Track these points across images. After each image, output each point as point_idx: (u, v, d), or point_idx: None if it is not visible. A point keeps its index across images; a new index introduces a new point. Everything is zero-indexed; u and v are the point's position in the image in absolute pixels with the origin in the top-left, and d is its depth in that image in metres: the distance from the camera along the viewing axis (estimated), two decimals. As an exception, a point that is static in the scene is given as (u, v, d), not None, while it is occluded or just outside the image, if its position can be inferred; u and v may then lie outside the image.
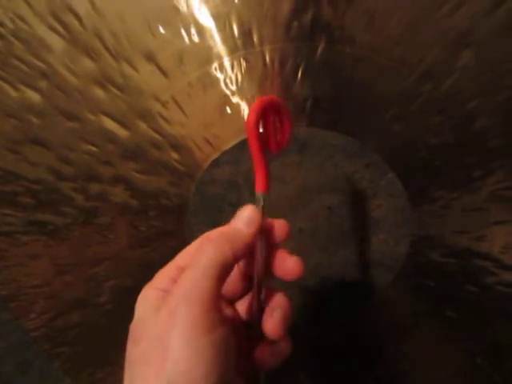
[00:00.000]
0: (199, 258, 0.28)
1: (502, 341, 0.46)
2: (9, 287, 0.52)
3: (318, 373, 0.53)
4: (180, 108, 0.43)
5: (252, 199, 0.46)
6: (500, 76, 0.37)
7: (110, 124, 0.44)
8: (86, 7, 0.39)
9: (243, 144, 0.44)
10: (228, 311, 0.33)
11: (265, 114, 0.30)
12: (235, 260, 0.29)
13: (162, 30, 0.40)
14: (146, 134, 0.44)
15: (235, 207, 0.46)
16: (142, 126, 0.44)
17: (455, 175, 0.42)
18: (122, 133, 0.44)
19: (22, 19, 0.40)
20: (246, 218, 0.31)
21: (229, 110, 0.44)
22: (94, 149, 0.45)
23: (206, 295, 0.27)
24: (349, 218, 0.46)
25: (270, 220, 0.32)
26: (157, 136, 0.45)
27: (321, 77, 0.41)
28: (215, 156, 0.46)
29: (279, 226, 0.32)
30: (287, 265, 0.31)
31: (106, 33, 0.40)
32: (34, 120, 0.44)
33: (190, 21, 0.40)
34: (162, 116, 0.44)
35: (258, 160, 0.31)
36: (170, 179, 0.47)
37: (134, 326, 0.29)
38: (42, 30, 0.40)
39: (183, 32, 0.40)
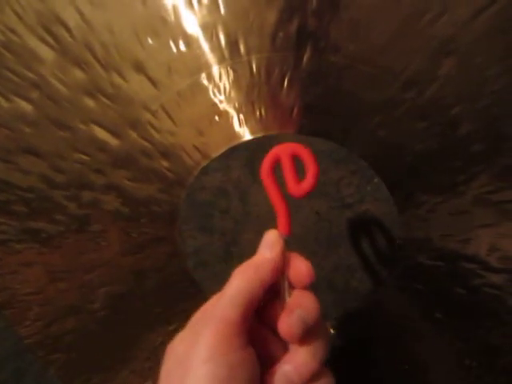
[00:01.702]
0: (227, 287, 0.30)
1: (490, 342, 0.46)
2: (3, 295, 0.52)
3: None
4: (169, 117, 0.44)
5: (241, 206, 0.47)
6: (482, 83, 0.38)
7: (100, 133, 0.44)
8: (76, 19, 0.39)
9: (232, 151, 0.45)
10: (257, 328, 0.32)
11: (282, 159, 0.31)
12: (263, 286, 0.30)
13: (150, 41, 0.40)
14: (136, 143, 0.45)
15: (225, 213, 0.47)
16: (133, 134, 0.45)
17: (440, 180, 0.42)
18: (112, 142, 0.45)
19: (13, 31, 0.40)
20: (268, 242, 0.32)
21: (217, 119, 0.44)
22: (85, 157, 0.45)
23: (229, 323, 0.28)
24: (337, 223, 0.47)
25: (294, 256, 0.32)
26: (147, 144, 0.45)
27: (307, 85, 0.42)
28: (204, 163, 0.46)
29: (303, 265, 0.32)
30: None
31: (96, 44, 0.40)
32: (26, 130, 0.44)
33: (177, 31, 0.40)
34: (151, 125, 0.44)
35: (277, 203, 0.32)
36: (160, 186, 0.47)
37: (170, 346, 0.31)
38: (33, 42, 0.40)
39: (171, 43, 0.41)
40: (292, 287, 0.32)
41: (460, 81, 0.38)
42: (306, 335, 0.29)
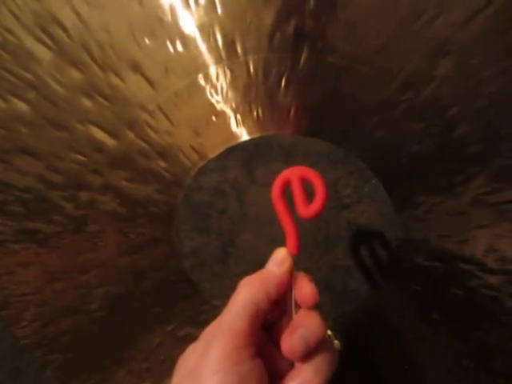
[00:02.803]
0: (234, 300, 0.30)
1: (488, 342, 0.46)
2: (-1, 295, 0.52)
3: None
4: (166, 117, 0.44)
5: (238, 206, 0.47)
6: (478, 84, 0.38)
7: (98, 133, 0.44)
8: (73, 19, 0.39)
9: (229, 152, 0.45)
10: (266, 345, 0.33)
11: (292, 181, 0.32)
12: (269, 299, 0.30)
13: (147, 41, 0.41)
14: (133, 143, 0.45)
15: (222, 214, 0.47)
16: (130, 135, 0.45)
17: (437, 181, 0.43)
18: (109, 142, 0.45)
19: (10, 32, 0.40)
20: (277, 260, 0.32)
21: (214, 119, 0.44)
22: (82, 158, 0.45)
23: (237, 334, 0.28)
24: (334, 224, 0.47)
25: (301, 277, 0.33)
26: (144, 145, 0.45)
27: (304, 86, 0.42)
28: (202, 164, 0.46)
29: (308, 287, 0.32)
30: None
31: (93, 44, 0.41)
32: (23, 130, 0.44)
33: (174, 32, 0.40)
34: (149, 125, 0.44)
35: (287, 224, 0.32)
36: (157, 187, 0.47)
37: (181, 358, 0.31)
38: (30, 42, 0.40)
39: (168, 43, 0.41)
40: (298, 306, 0.32)
41: (457, 82, 0.38)
42: (310, 353, 0.29)
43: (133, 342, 0.55)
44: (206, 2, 0.39)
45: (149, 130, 0.44)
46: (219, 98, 0.43)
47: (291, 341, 0.29)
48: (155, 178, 0.47)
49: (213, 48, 0.41)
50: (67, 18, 0.40)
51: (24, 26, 0.40)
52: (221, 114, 0.44)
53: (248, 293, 0.30)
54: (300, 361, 0.30)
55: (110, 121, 0.44)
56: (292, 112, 0.43)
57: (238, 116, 0.44)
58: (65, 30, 0.40)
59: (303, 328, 0.30)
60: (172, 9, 0.39)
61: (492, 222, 0.42)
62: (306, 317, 0.31)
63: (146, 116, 0.44)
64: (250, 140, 0.45)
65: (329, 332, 0.50)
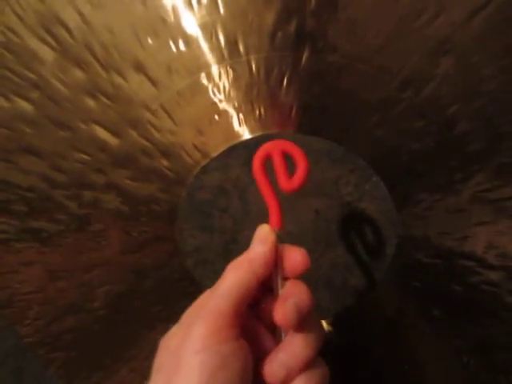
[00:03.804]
0: (221, 282, 0.30)
1: (488, 339, 0.46)
2: (3, 294, 0.52)
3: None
4: (169, 116, 0.44)
5: (240, 205, 0.47)
6: (478, 82, 0.38)
7: (101, 133, 0.45)
8: (76, 20, 0.40)
9: (231, 150, 0.45)
10: (250, 324, 0.33)
11: (273, 156, 0.32)
12: (258, 279, 0.30)
13: (150, 41, 0.41)
14: (136, 142, 0.45)
15: (224, 212, 0.48)
16: (133, 134, 0.45)
17: (437, 178, 0.43)
18: (113, 141, 0.45)
19: (14, 32, 0.40)
20: (260, 237, 0.32)
21: (217, 118, 0.44)
22: (85, 157, 0.46)
23: (222, 315, 0.28)
24: (335, 221, 0.47)
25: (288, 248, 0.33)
26: (147, 144, 0.45)
27: (306, 85, 0.42)
28: (204, 162, 0.46)
29: (297, 253, 0.32)
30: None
31: (96, 44, 0.41)
32: (27, 130, 0.44)
33: (177, 32, 0.40)
34: (151, 124, 0.44)
35: (269, 198, 0.33)
36: (160, 186, 0.47)
37: (163, 340, 0.32)
38: (33, 43, 0.40)
39: (171, 42, 0.41)
40: (285, 279, 0.32)
41: (457, 80, 0.39)
42: (301, 324, 0.29)
43: (135, 340, 0.55)
44: (208, 2, 0.39)
45: (152, 129, 0.45)
46: (221, 97, 0.44)
47: (284, 309, 0.29)
48: (158, 177, 0.47)
49: (215, 47, 0.41)
50: (70, 18, 0.40)
51: (27, 26, 0.40)
52: (223, 113, 0.44)
53: (235, 276, 0.30)
54: (293, 329, 0.30)
55: (113, 120, 0.44)
56: (293, 111, 0.44)
57: (241, 115, 0.45)
58: (68, 30, 0.40)
59: (294, 297, 0.30)
60: (174, 9, 0.39)
61: (492, 218, 0.42)
62: (294, 287, 0.31)
63: (148, 115, 0.44)
64: (252, 139, 0.45)
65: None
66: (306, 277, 0.43)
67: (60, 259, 0.50)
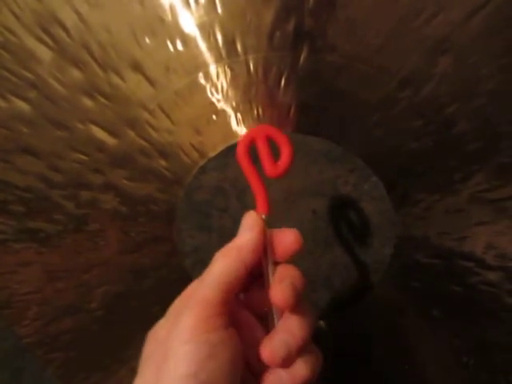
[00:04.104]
0: (209, 271, 0.30)
1: (488, 339, 0.46)
2: (1, 294, 0.52)
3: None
4: (167, 116, 0.44)
5: (239, 204, 0.47)
6: (477, 82, 0.38)
7: (98, 133, 0.44)
8: (73, 19, 0.39)
9: (229, 150, 0.45)
10: (239, 313, 0.32)
11: (257, 141, 0.32)
12: (244, 267, 0.30)
13: (147, 41, 0.41)
14: (134, 142, 0.45)
15: (223, 212, 0.48)
16: (131, 134, 0.45)
17: (436, 178, 0.43)
18: (110, 141, 0.45)
19: (11, 31, 0.40)
20: (248, 224, 0.32)
21: (215, 118, 0.44)
22: (83, 157, 0.46)
23: (210, 304, 0.28)
24: (334, 222, 0.47)
25: (277, 231, 0.33)
26: (145, 144, 0.45)
27: (304, 84, 0.42)
28: (202, 162, 0.46)
29: (288, 234, 0.32)
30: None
31: (93, 44, 0.41)
32: (24, 129, 0.44)
33: (175, 31, 0.40)
34: (149, 124, 0.44)
35: (254, 184, 0.32)
36: (158, 186, 0.47)
37: (150, 332, 0.31)
38: (31, 42, 0.40)
39: (169, 42, 0.41)
40: (276, 264, 0.32)
41: (455, 79, 0.39)
42: (296, 304, 0.29)
43: (133, 340, 0.55)
44: (205, 2, 0.39)
45: (149, 129, 0.45)
46: (219, 96, 0.44)
47: (282, 288, 0.29)
48: (156, 177, 0.47)
49: (213, 47, 0.41)
50: (68, 17, 0.39)
51: (25, 25, 0.40)
52: (221, 113, 0.44)
53: (223, 264, 0.30)
54: (290, 309, 0.30)
55: (111, 120, 0.44)
56: (292, 110, 0.44)
57: (239, 114, 0.44)
58: (65, 29, 0.40)
59: (290, 277, 0.30)
60: (172, 8, 0.39)
61: (491, 219, 0.42)
62: (287, 269, 0.31)
63: (146, 115, 0.44)
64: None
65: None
66: (304, 277, 0.42)
67: (58, 259, 0.50)
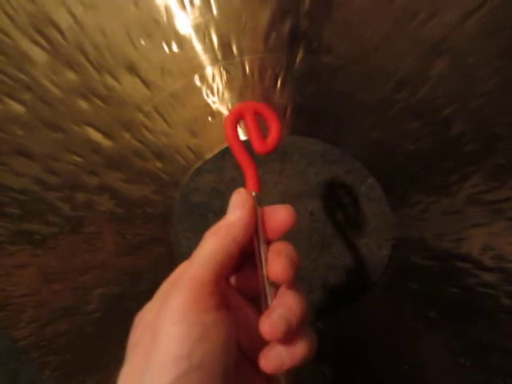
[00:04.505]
0: (199, 250, 0.29)
1: (485, 340, 0.46)
2: (-3, 297, 0.52)
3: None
4: (163, 118, 0.44)
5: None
6: (473, 83, 0.38)
7: (94, 135, 0.44)
8: (68, 21, 0.39)
9: (225, 152, 0.45)
10: (232, 294, 0.32)
11: (245, 117, 0.31)
12: (235, 245, 0.29)
13: (143, 42, 0.40)
14: (129, 144, 0.45)
15: (219, 214, 0.47)
16: (126, 136, 0.45)
17: (433, 180, 0.43)
18: (106, 143, 0.45)
19: (5, 33, 0.40)
20: (238, 202, 0.31)
21: (211, 119, 0.44)
22: (78, 159, 0.45)
23: (201, 282, 0.27)
24: (331, 223, 0.47)
25: (269, 208, 0.32)
26: (140, 146, 0.45)
27: (300, 86, 0.42)
28: (198, 164, 0.46)
29: (281, 210, 0.31)
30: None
31: (88, 46, 0.40)
32: (19, 132, 0.44)
33: (170, 33, 0.40)
34: (145, 126, 0.44)
35: (243, 161, 0.32)
36: (154, 188, 0.47)
37: (138, 316, 0.30)
38: (25, 44, 0.40)
39: (164, 44, 0.41)
40: (268, 243, 0.31)
41: (452, 81, 0.39)
42: (294, 279, 0.29)
43: (130, 342, 0.55)
44: (201, 3, 0.39)
45: (145, 131, 0.44)
46: (215, 98, 0.43)
47: (281, 262, 0.28)
48: (152, 179, 0.47)
49: (208, 49, 0.41)
50: (62, 19, 0.39)
51: (19, 27, 0.40)
52: (217, 115, 0.44)
53: (213, 242, 0.29)
54: (287, 285, 0.29)
55: (106, 122, 0.44)
56: (288, 112, 0.43)
57: (235, 117, 0.44)
58: (60, 31, 0.40)
59: (286, 251, 0.29)
60: (167, 10, 0.39)
61: (488, 220, 0.42)
62: (281, 245, 0.30)
63: (142, 117, 0.44)
64: (246, 140, 0.45)
65: None
66: (302, 278, 0.43)
67: (54, 262, 0.50)
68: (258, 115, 0.31)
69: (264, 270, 0.30)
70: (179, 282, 0.27)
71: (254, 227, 0.30)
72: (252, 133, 0.31)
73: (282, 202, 0.32)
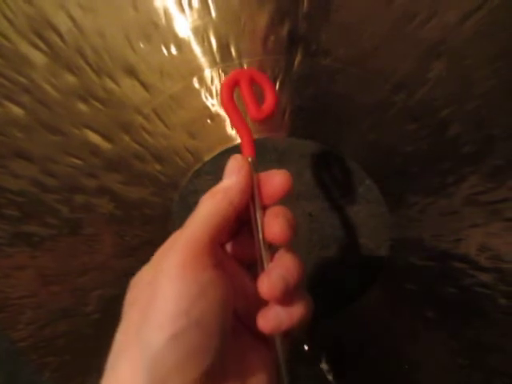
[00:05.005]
0: (195, 213, 0.29)
1: (482, 340, 0.46)
2: (-5, 299, 0.52)
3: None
4: (162, 120, 0.44)
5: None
6: (471, 85, 0.38)
7: (93, 137, 0.44)
8: (67, 24, 0.39)
9: (224, 154, 0.45)
10: (228, 261, 0.32)
11: (241, 84, 0.31)
12: (232, 208, 0.29)
13: (142, 45, 0.41)
14: (129, 147, 0.45)
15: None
16: (125, 138, 0.45)
17: (430, 181, 0.43)
18: (105, 145, 0.45)
19: (4, 36, 0.40)
20: (234, 167, 0.31)
21: (209, 122, 0.44)
22: (77, 161, 0.45)
23: (198, 242, 0.27)
24: (329, 224, 0.47)
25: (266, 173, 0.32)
26: (139, 148, 0.45)
27: (298, 88, 0.42)
28: (197, 166, 0.46)
29: (277, 174, 0.31)
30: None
31: (87, 49, 0.40)
32: (18, 134, 0.44)
33: (169, 36, 0.40)
34: (144, 128, 0.44)
35: (239, 126, 0.32)
36: (153, 190, 0.47)
37: (133, 280, 0.30)
38: (24, 47, 0.40)
39: (163, 47, 0.41)
40: (264, 209, 0.31)
41: (449, 83, 0.39)
42: (291, 241, 0.29)
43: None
44: (199, 6, 0.39)
45: (144, 134, 0.44)
46: (214, 100, 0.43)
47: (279, 223, 0.29)
48: (151, 181, 0.47)
49: (207, 51, 0.41)
50: (61, 22, 0.39)
51: (18, 30, 0.40)
52: (216, 117, 0.44)
53: (210, 205, 0.29)
54: (287, 245, 0.30)
55: (106, 124, 0.44)
56: (286, 114, 0.44)
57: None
58: (59, 34, 0.40)
59: (283, 212, 0.30)
60: (166, 12, 0.39)
61: (485, 221, 0.42)
62: (278, 208, 0.30)
63: (141, 119, 0.44)
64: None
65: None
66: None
67: (53, 263, 0.50)
68: (253, 83, 0.31)
69: (260, 235, 0.30)
70: (176, 243, 0.27)
71: (250, 192, 0.30)
72: (247, 100, 0.31)
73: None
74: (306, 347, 0.52)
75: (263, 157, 0.45)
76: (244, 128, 0.32)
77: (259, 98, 0.32)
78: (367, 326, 0.51)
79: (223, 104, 0.31)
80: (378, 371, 0.52)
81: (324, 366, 0.52)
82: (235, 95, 0.31)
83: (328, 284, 0.49)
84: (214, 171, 0.46)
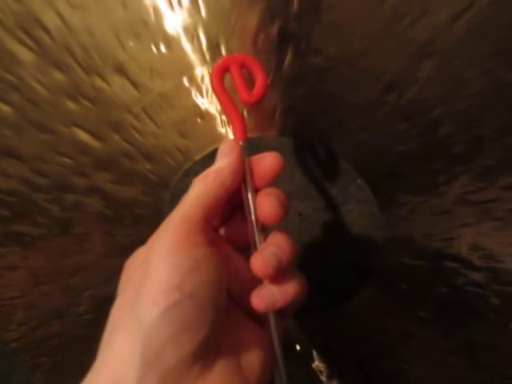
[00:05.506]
0: (187, 194, 0.29)
1: (475, 340, 0.46)
2: (-14, 299, 0.52)
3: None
4: (152, 119, 0.44)
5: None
6: (461, 85, 0.38)
7: (82, 136, 0.44)
8: (56, 21, 0.39)
9: (215, 153, 0.45)
10: (222, 244, 0.32)
11: (231, 69, 0.32)
12: (224, 189, 0.30)
13: (131, 43, 0.40)
14: (118, 145, 0.45)
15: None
16: (115, 137, 0.44)
17: (421, 180, 0.43)
18: (95, 144, 0.45)
19: (-8, 34, 0.40)
20: (225, 151, 0.31)
21: (200, 120, 0.44)
22: (67, 160, 0.45)
23: (191, 220, 0.27)
24: (320, 224, 0.47)
25: (257, 157, 0.32)
26: (129, 147, 0.45)
27: (289, 87, 0.42)
28: (187, 165, 0.46)
29: (268, 157, 0.32)
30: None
31: (76, 46, 0.40)
32: (7, 133, 0.44)
33: (158, 34, 0.40)
34: (134, 127, 0.44)
35: (230, 110, 0.32)
36: (143, 189, 0.47)
37: (127, 261, 0.31)
38: (12, 44, 0.40)
39: (152, 45, 0.41)
40: (256, 192, 0.31)
41: (440, 83, 0.39)
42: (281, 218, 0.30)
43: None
44: (189, 4, 0.39)
45: (134, 132, 0.44)
46: (204, 99, 0.43)
47: (271, 202, 0.29)
48: (141, 180, 0.47)
49: (197, 50, 0.41)
50: (50, 20, 0.39)
51: (5, 27, 0.39)
52: (206, 116, 0.44)
53: (202, 185, 0.29)
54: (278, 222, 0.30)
55: (95, 123, 0.44)
56: (277, 113, 0.43)
57: (224, 117, 0.44)
58: (47, 31, 0.40)
59: (275, 192, 0.30)
60: (156, 11, 0.39)
61: (476, 220, 0.42)
62: (270, 189, 0.31)
63: (131, 118, 0.44)
64: (236, 141, 0.45)
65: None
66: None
67: (44, 263, 0.50)
68: (243, 67, 0.32)
69: (253, 217, 0.31)
70: (168, 222, 0.28)
71: (241, 173, 0.31)
72: (238, 84, 0.32)
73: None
74: (298, 347, 0.52)
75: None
76: (235, 113, 0.32)
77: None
78: (359, 326, 0.51)
79: (214, 89, 0.32)
80: (370, 371, 0.52)
81: (316, 365, 0.52)
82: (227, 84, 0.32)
83: (319, 284, 0.49)
84: (204, 170, 0.46)
